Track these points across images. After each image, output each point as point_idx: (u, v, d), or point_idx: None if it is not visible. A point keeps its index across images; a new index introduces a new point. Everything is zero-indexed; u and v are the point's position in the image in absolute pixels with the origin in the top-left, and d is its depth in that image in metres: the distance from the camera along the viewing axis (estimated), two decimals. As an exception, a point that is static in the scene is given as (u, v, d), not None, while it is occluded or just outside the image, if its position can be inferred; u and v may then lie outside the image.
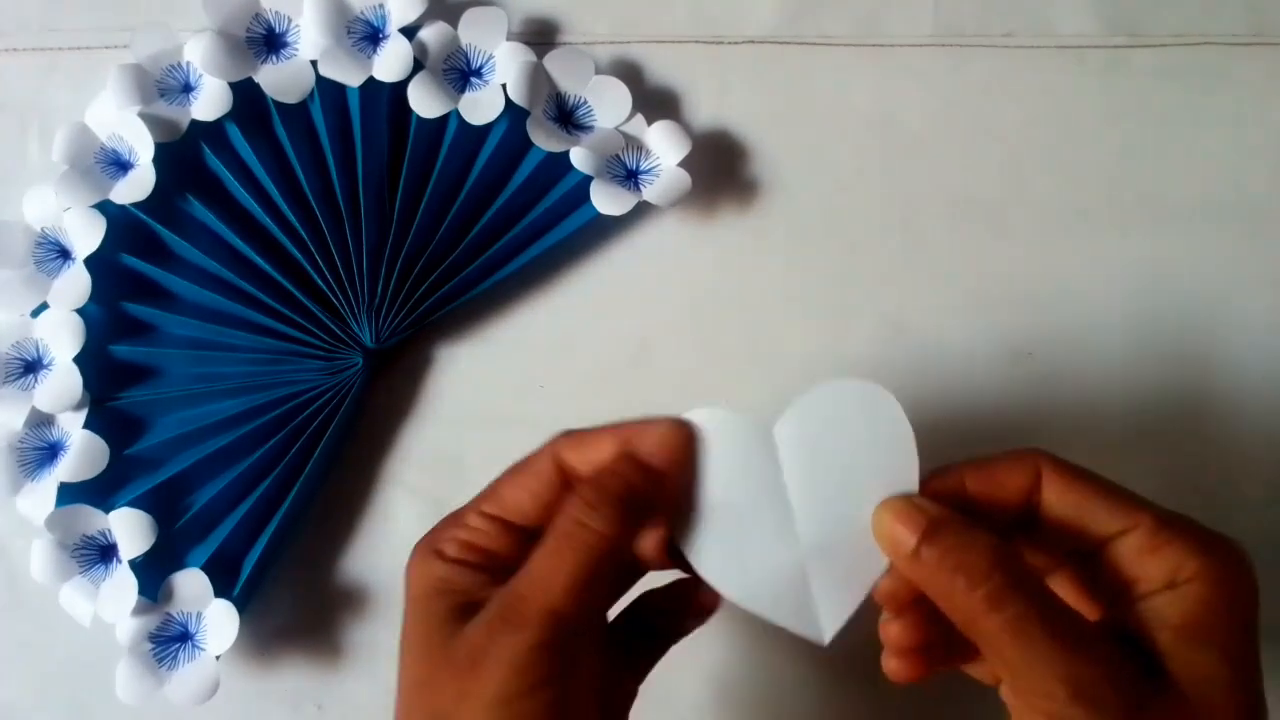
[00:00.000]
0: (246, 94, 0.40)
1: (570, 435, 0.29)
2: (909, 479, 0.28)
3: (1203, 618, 0.25)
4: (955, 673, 0.29)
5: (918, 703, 0.39)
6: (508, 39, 0.41)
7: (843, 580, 0.28)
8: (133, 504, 0.38)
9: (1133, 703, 0.24)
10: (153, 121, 0.39)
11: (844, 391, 0.29)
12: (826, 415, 0.29)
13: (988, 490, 0.27)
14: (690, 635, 0.39)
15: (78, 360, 0.38)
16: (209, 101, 0.40)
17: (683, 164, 0.40)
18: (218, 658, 0.37)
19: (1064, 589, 0.29)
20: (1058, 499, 0.27)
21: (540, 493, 0.29)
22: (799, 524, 0.28)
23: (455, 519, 0.29)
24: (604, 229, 0.41)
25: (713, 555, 0.28)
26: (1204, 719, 0.24)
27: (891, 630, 0.28)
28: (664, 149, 0.40)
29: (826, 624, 0.28)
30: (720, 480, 0.28)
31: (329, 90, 0.40)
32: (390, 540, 0.40)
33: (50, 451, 0.39)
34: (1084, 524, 0.27)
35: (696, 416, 0.29)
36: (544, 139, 0.39)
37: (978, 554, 0.25)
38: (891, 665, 0.27)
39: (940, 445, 0.40)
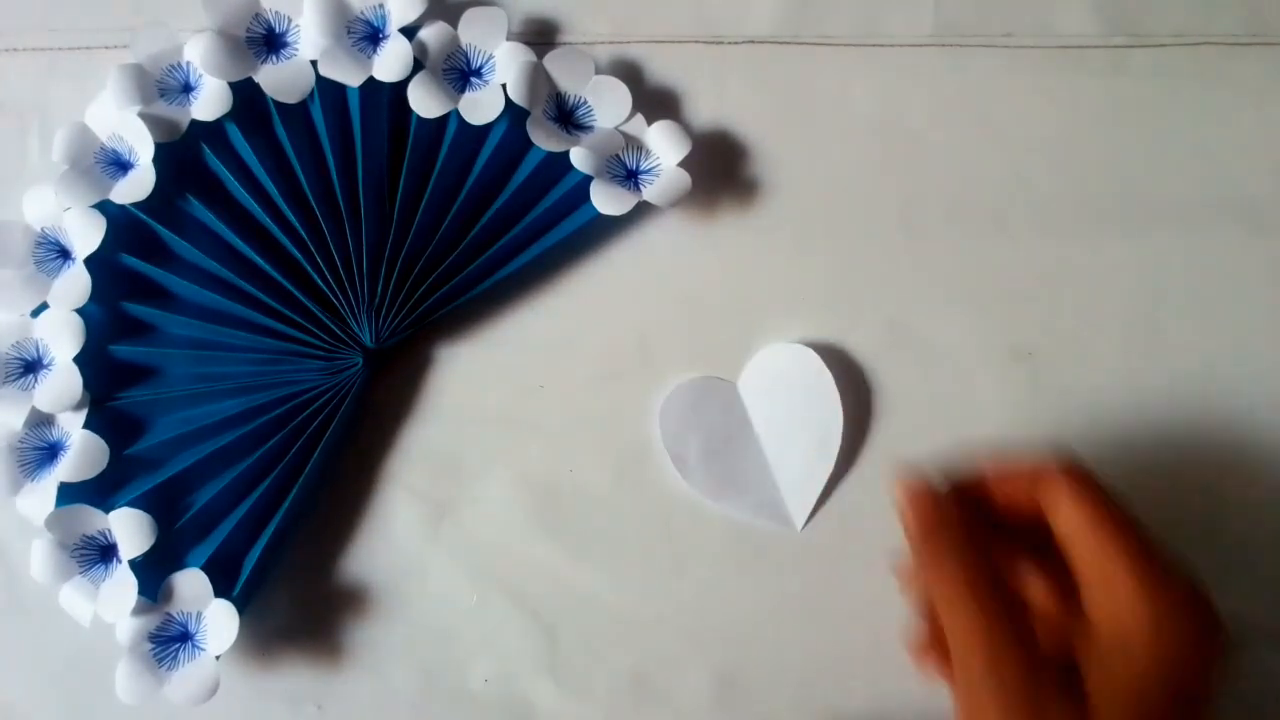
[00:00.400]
0: (246, 94, 0.40)
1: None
2: (834, 411, 0.39)
3: (1131, 680, 0.27)
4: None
5: (916, 708, 0.39)
6: (508, 39, 0.41)
7: (802, 487, 0.40)
8: (133, 504, 0.38)
9: (1033, 694, 0.27)
10: (153, 121, 0.39)
11: (780, 352, 0.40)
12: (771, 370, 0.40)
13: (1007, 494, 0.31)
14: (689, 634, 0.39)
15: (77, 360, 0.38)
16: (209, 101, 0.40)
17: (683, 164, 0.40)
18: (218, 658, 0.37)
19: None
20: (1060, 523, 0.30)
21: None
22: (766, 451, 0.40)
23: None
24: (604, 229, 0.41)
25: (709, 480, 0.40)
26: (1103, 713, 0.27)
27: (912, 629, 0.34)
28: (664, 149, 0.40)
29: (796, 519, 0.40)
30: (707, 426, 0.40)
31: (329, 90, 0.40)
32: (390, 540, 0.40)
33: (50, 451, 0.39)
34: (1076, 553, 0.30)
35: (685, 382, 0.40)
36: (544, 139, 0.39)
37: (954, 561, 0.30)
38: (914, 658, 0.33)
39: (941, 444, 0.40)
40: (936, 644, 0.33)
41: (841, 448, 0.39)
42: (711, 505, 0.40)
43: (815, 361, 0.39)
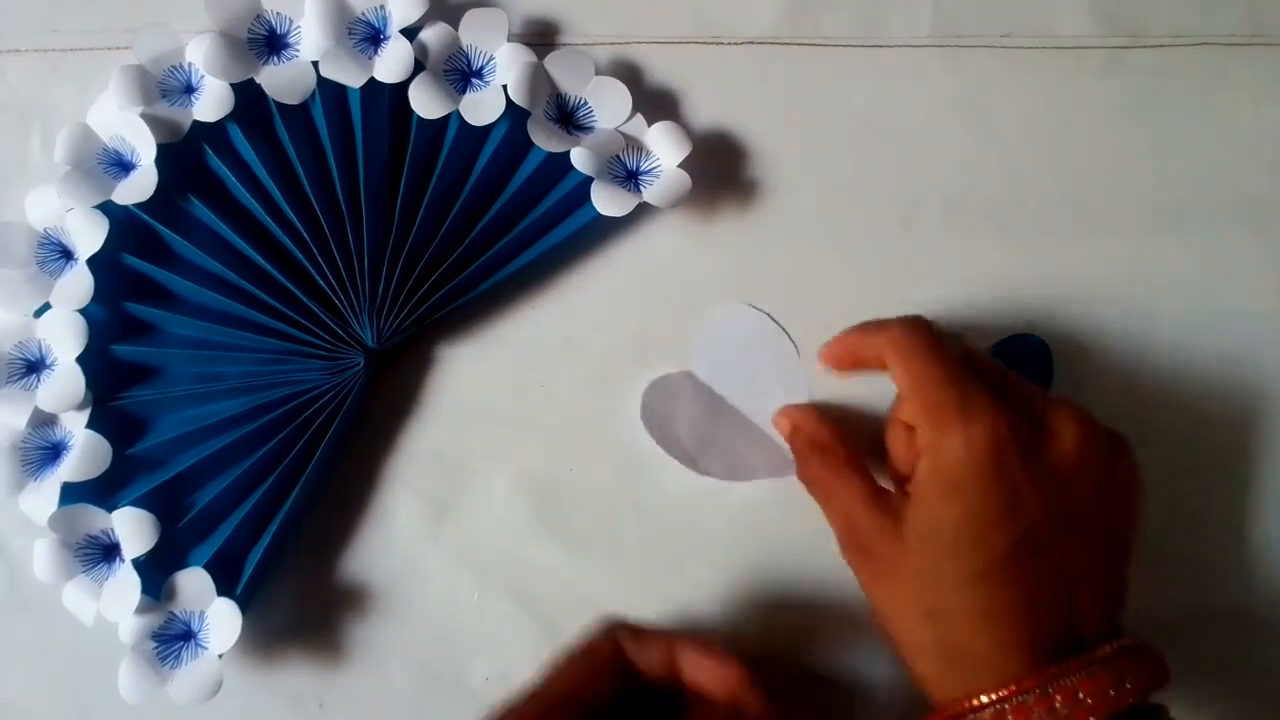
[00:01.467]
0: (248, 95, 0.40)
1: (627, 629, 0.33)
2: (782, 344, 0.40)
3: (920, 491, 0.32)
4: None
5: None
6: (508, 40, 0.41)
7: None
8: (135, 503, 0.38)
9: (863, 523, 0.33)
10: (155, 122, 0.39)
11: (710, 321, 0.41)
12: (710, 341, 0.41)
13: (857, 356, 0.35)
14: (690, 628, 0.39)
15: (80, 360, 0.39)
16: (211, 102, 0.40)
17: (683, 165, 0.40)
18: (220, 656, 0.37)
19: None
20: (894, 371, 0.34)
21: (599, 680, 0.32)
22: (747, 414, 0.40)
23: (512, 715, 0.31)
24: (604, 230, 0.41)
25: (719, 466, 0.40)
26: (910, 560, 0.32)
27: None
28: (664, 150, 0.41)
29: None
30: (686, 419, 0.40)
31: (330, 91, 0.41)
32: (391, 539, 0.41)
33: (53, 451, 0.39)
34: (900, 386, 0.34)
35: (645, 389, 0.40)
36: (544, 139, 0.40)
37: (817, 433, 0.37)
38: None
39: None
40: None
41: (809, 380, 0.40)
42: (721, 498, 0.40)
43: (744, 310, 0.40)
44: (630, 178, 0.41)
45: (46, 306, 0.40)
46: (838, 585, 0.40)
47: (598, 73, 0.41)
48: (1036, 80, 0.42)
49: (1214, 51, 0.43)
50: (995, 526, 0.31)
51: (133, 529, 0.38)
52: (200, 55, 0.40)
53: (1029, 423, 0.32)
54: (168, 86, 0.41)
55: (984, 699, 0.30)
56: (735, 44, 0.43)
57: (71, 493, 0.38)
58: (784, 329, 0.40)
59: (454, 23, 0.41)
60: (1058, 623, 0.31)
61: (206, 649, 0.38)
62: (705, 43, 0.43)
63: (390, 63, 0.40)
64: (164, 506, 0.38)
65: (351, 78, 0.40)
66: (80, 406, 0.39)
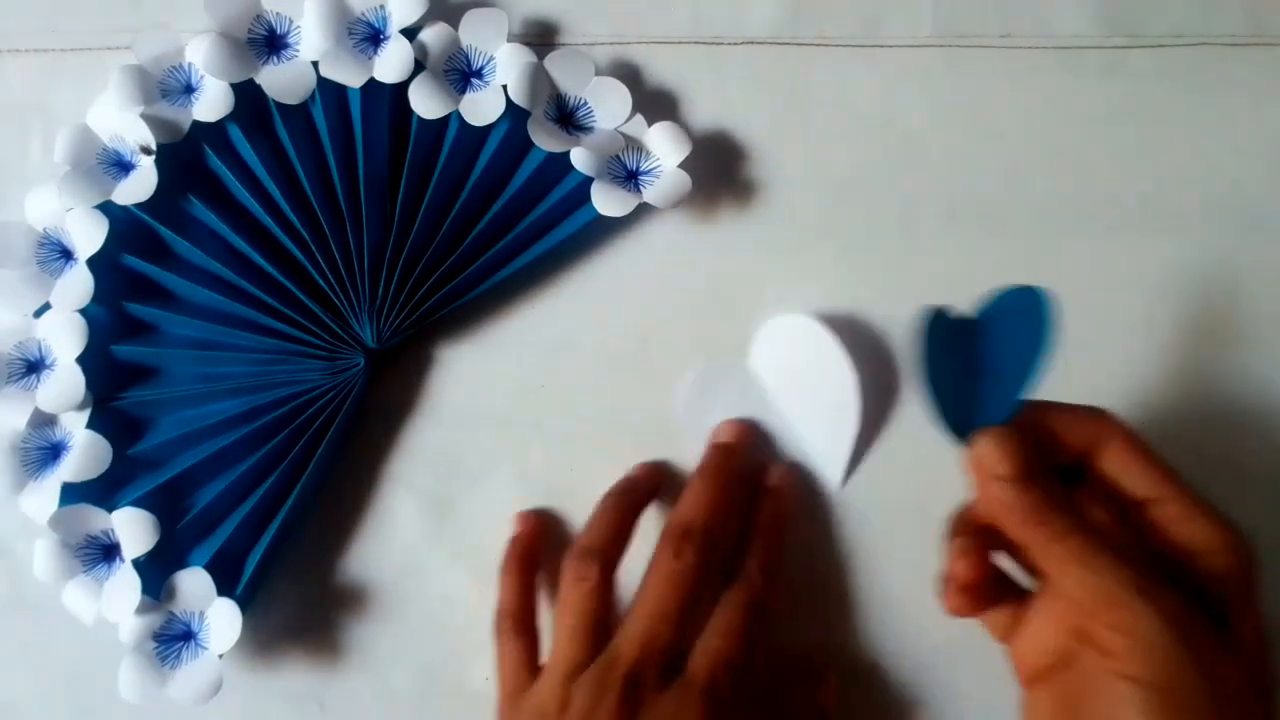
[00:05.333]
0: (248, 95, 0.40)
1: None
2: (844, 370, 0.39)
3: (1242, 582, 0.30)
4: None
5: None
6: (508, 40, 0.41)
7: (831, 446, 0.40)
8: (135, 503, 0.38)
9: (1214, 639, 0.28)
10: (154, 122, 0.39)
11: (782, 324, 0.40)
12: (776, 343, 0.40)
13: (1053, 437, 0.32)
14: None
15: (80, 360, 0.39)
16: (210, 102, 0.40)
17: (683, 165, 0.40)
18: (220, 656, 0.37)
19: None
20: (1110, 461, 0.31)
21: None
22: (789, 421, 0.40)
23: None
24: (604, 230, 0.41)
25: None
26: (1247, 657, 0.29)
27: (958, 567, 0.32)
28: (664, 150, 0.41)
29: (833, 477, 0.40)
30: (726, 410, 0.40)
31: (330, 91, 0.41)
32: (391, 539, 0.41)
33: (53, 451, 0.39)
34: (1129, 486, 0.31)
35: (697, 371, 0.41)
36: (544, 140, 0.40)
37: (1061, 514, 0.30)
38: (952, 602, 0.32)
39: (940, 446, 0.40)
40: (979, 586, 0.32)
41: (863, 409, 0.40)
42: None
43: (817, 327, 0.40)
44: (630, 178, 0.41)
45: (46, 306, 0.40)
46: (837, 583, 0.40)
47: (598, 73, 0.41)
48: (1036, 80, 0.42)
49: (1214, 51, 0.43)
50: None
51: (133, 529, 0.38)
52: (200, 55, 0.40)
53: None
54: (167, 86, 0.41)
55: None
56: (735, 44, 0.43)
57: (71, 493, 0.38)
58: (849, 358, 0.39)
59: (454, 23, 0.41)
60: None
61: (206, 649, 0.38)
62: (705, 43, 0.43)
63: (390, 63, 0.40)
64: (164, 506, 0.38)
65: (351, 78, 0.40)
66: (80, 406, 0.39)
